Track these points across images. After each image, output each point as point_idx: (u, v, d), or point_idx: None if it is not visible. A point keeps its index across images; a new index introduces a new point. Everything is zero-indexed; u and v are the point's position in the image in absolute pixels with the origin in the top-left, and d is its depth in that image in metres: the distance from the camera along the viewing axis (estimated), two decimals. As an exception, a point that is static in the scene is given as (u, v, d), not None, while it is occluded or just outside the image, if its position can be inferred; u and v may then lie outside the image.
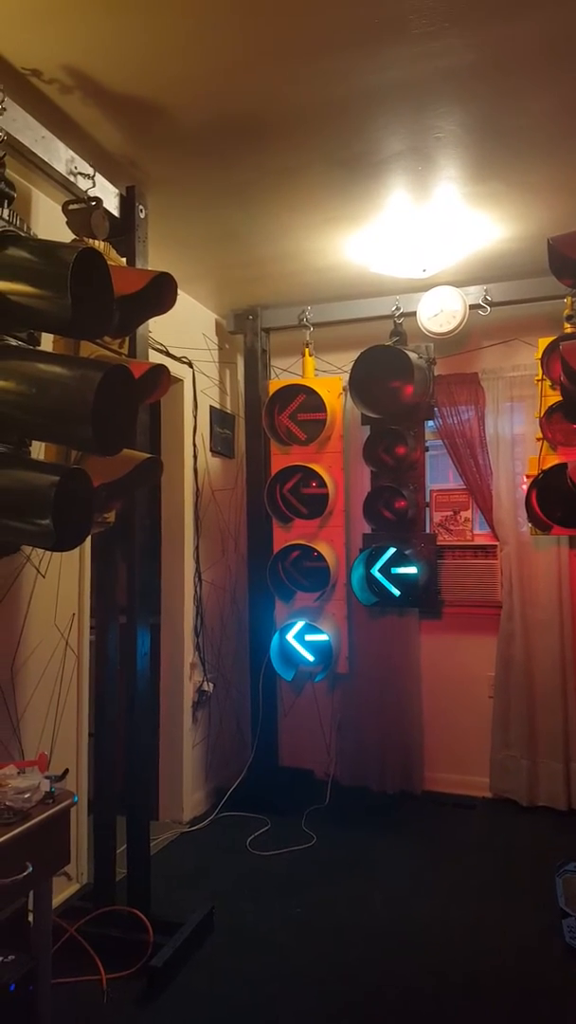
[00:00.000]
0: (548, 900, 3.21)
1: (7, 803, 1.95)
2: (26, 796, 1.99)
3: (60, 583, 3.20)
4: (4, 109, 2.25)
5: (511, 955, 2.86)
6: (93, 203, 2.68)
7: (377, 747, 4.59)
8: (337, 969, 2.80)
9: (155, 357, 3.81)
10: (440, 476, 4.78)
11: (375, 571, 4.16)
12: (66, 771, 2.26)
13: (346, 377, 4.14)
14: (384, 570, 4.15)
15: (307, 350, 4.42)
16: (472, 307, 4.13)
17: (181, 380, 4.31)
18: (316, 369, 4.48)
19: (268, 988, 2.69)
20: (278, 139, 2.83)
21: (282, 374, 4.86)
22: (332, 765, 4.67)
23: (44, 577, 3.10)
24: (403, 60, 2.38)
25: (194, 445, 4.43)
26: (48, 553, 3.10)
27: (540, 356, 3.87)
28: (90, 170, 2.75)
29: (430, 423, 4.49)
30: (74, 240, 2.65)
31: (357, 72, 2.45)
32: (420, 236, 3.67)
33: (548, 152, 2.96)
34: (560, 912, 3.10)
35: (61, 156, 2.63)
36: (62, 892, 3.15)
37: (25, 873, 1.89)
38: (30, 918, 2.27)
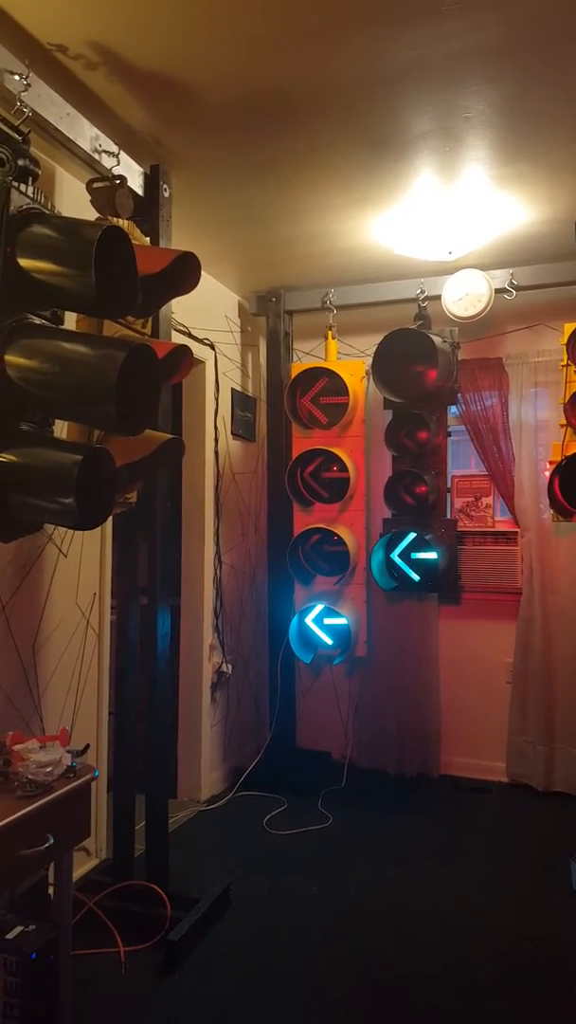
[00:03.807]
0: (563, 884, 3.22)
1: (29, 776, 1.98)
2: (48, 770, 2.01)
3: (82, 563, 3.22)
4: (29, 85, 2.24)
5: (526, 936, 2.87)
6: (117, 181, 2.67)
7: (394, 730, 4.60)
8: (351, 946, 2.82)
9: (177, 338, 3.80)
10: (462, 462, 4.75)
11: (395, 556, 4.14)
12: (87, 746, 2.30)
13: (369, 361, 4.11)
14: (404, 555, 4.13)
15: (330, 333, 4.39)
16: (498, 291, 4.08)
17: (203, 362, 4.31)
18: (339, 352, 4.45)
19: (283, 964, 2.72)
20: (305, 118, 2.80)
21: (304, 357, 4.84)
22: (349, 747, 4.70)
23: (66, 557, 3.12)
24: (433, 38, 2.34)
25: (215, 428, 4.43)
26: (70, 533, 3.12)
27: (566, 341, 3.81)
28: (115, 148, 2.74)
29: (453, 408, 4.45)
30: (98, 218, 2.65)
31: (387, 50, 2.41)
32: (447, 218, 3.63)
33: (579, 131, 2.91)
34: (574, 895, 3.10)
35: (86, 133, 2.62)
36: (82, 867, 3.19)
37: (46, 845, 1.92)
38: (51, 891, 2.31)
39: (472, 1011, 2.48)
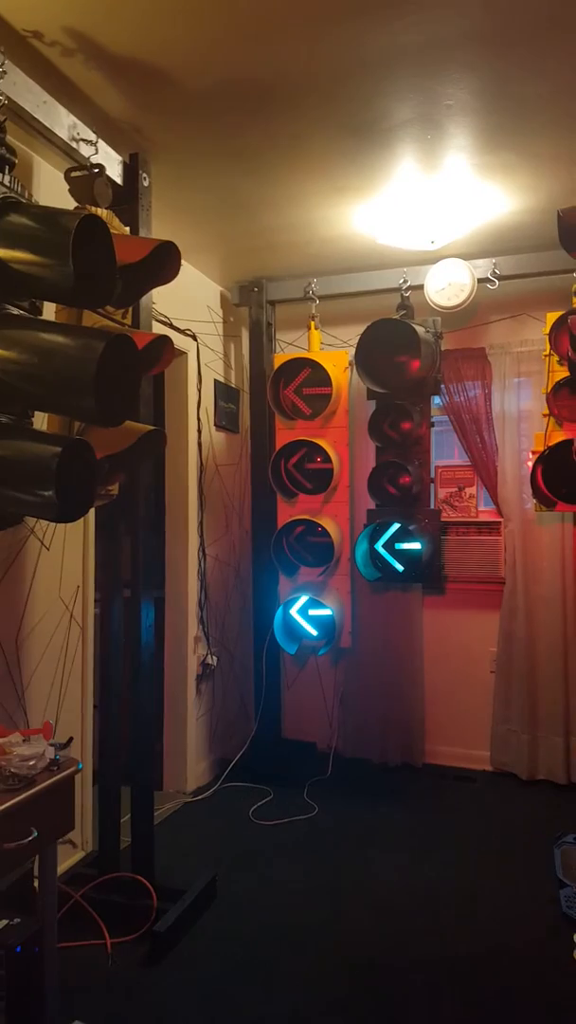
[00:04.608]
0: (546, 871, 3.25)
1: (12, 770, 1.97)
2: (31, 763, 2.00)
3: (64, 556, 3.20)
4: (4, 72, 2.21)
5: (509, 924, 2.90)
6: (96, 170, 2.64)
7: (379, 720, 4.63)
8: (337, 936, 2.84)
9: (159, 329, 3.78)
10: (446, 452, 4.76)
11: (379, 546, 4.16)
12: (70, 739, 2.28)
13: (352, 351, 4.10)
14: (388, 545, 4.15)
15: (313, 323, 4.38)
16: (480, 281, 4.08)
17: (185, 353, 4.29)
18: (322, 343, 4.45)
19: (269, 953, 2.73)
20: (286, 105, 2.78)
21: (287, 348, 4.82)
22: (334, 738, 4.71)
23: (48, 550, 3.11)
24: (415, 24, 2.32)
25: (198, 419, 4.41)
26: (52, 525, 3.10)
27: (548, 331, 3.83)
28: (93, 136, 2.71)
29: (436, 399, 4.46)
30: (76, 208, 2.62)
31: (368, 37, 2.39)
32: (429, 207, 3.62)
33: (561, 122, 2.90)
34: (557, 882, 3.13)
35: (63, 122, 2.59)
36: (68, 859, 3.20)
37: (30, 838, 1.92)
38: (36, 885, 2.31)
39: (459, 999, 2.50)
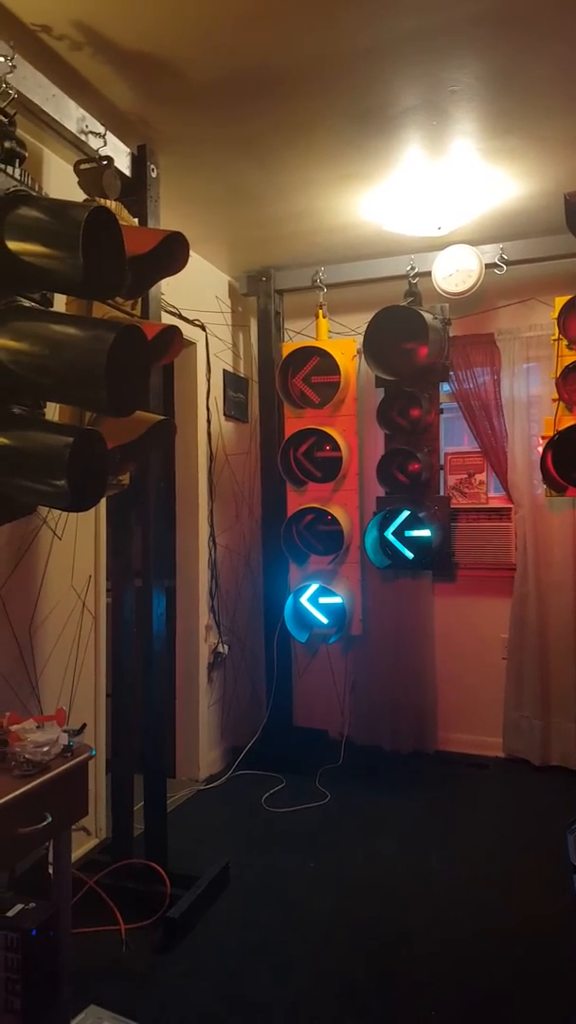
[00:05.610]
0: (559, 856, 3.26)
1: (26, 756, 1.99)
2: (45, 749, 2.02)
3: (76, 545, 3.23)
4: (14, 67, 2.22)
5: (522, 908, 2.92)
6: (104, 162, 2.65)
7: (391, 707, 4.64)
8: (350, 921, 2.86)
9: (168, 319, 3.79)
10: (455, 439, 4.75)
11: (389, 534, 4.16)
12: (84, 725, 2.31)
13: (360, 339, 4.10)
14: (398, 533, 4.15)
15: (320, 312, 4.38)
16: (488, 266, 4.07)
17: (194, 343, 4.29)
18: (330, 331, 4.44)
19: (282, 938, 2.76)
20: (291, 94, 2.78)
21: (296, 336, 4.82)
22: (346, 725, 4.74)
23: (60, 539, 3.13)
24: (419, 8, 2.31)
25: (208, 409, 4.42)
26: (64, 515, 3.13)
27: (557, 315, 3.81)
28: (101, 128, 2.72)
29: (445, 386, 4.45)
30: (86, 200, 2.63)
31: (372, 22, 2.38)
32: (435, 193, 3.61)
33: (567, 106, 2.88)
34: (571, 867, 3.14)
35: (72, 114, 2.60)
36: (82, 846, 3.23)
37: (44, 823, 1.94)
38: (51, 871, 2.34)
39: (471, 984, 2.52)
